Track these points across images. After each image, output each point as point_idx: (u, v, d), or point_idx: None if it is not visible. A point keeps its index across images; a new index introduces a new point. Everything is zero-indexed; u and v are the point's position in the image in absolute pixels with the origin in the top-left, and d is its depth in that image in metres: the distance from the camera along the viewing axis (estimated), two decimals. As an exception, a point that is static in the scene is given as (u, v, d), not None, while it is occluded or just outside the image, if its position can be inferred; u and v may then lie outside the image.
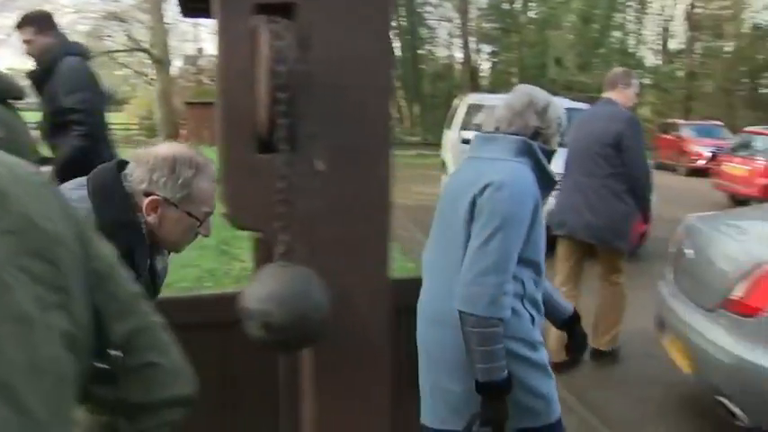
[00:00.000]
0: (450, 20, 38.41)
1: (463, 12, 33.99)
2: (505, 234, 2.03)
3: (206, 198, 1.77)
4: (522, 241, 2.08)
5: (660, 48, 40.61)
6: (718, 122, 25.41)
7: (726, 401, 3.24)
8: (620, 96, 4.74)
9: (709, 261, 3.64)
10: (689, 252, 3.90)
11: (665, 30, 40.65)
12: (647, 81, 39.67)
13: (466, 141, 9.54)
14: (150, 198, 1.73)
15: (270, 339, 1.11)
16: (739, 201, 13.09)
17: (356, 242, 1.18)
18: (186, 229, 1.80)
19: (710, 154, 19.31)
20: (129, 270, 1.58)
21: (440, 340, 2.21)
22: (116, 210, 1.71)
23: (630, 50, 40.62)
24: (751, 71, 36.95)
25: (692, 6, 37.65)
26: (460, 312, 2.03)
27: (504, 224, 2.03)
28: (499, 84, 33.68)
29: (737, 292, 3.18)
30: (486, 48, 39.46)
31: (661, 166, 22.61)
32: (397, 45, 39.49)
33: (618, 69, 5.20)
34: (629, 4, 39.07)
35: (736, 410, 3.18)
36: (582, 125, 4.77)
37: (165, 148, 1.79)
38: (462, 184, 2.21)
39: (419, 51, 39.50)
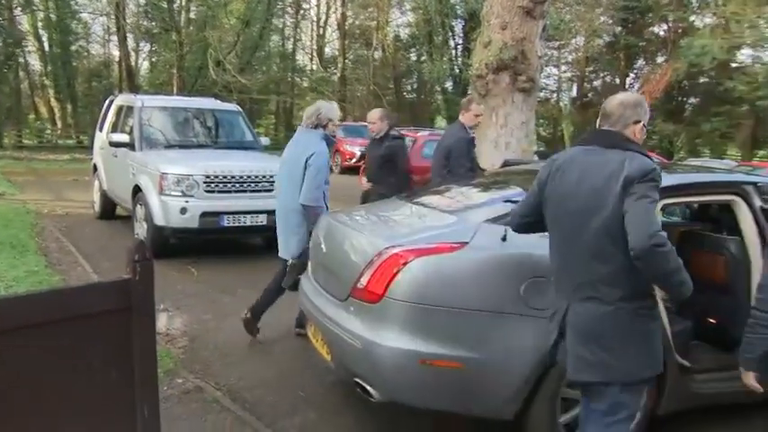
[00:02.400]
0: (106, 15, 36.24)
1: (119, 7, 32.26)
2: (323, 171, 5.04)
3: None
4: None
5: (317, 53, 42.72)
6: (367, 124, 27.59)
7: (361, 382, 3.51)
8: (464, 118, 6.60)
9: (340, 254, 3.91)
10: (323, 246, 4.16)
11: (321, 36, 42.94)
12: (305, 84, 41.65)
13: (114, 144, 9.08)
14: (640, 125, 2.85)
15: None
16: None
17: None
18: None
19: (360, 153, 20.75)
20: None
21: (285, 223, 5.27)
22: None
23: (290, 55, 42.29)
24: (395, 77, 40.67)
25: (344, 16, 40.21)
26: (306, 205, 5.01)
27: (323, 167, 5.04)
28: (159, 84, 32.74)
29: (363, 281, 3.44)
30: (146, 46, 38.19)
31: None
32: (44, 39, 36.40)
33: (467, 97, 7.26)
34: (287, 9, 40.47)
35: (370, 389, 3.46)
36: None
37: (624, 95, 2.95)
38: (298, 151, 5.15)
39: (71, 47, 36.80)
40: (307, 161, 5.00)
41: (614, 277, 2.64)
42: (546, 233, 2.97)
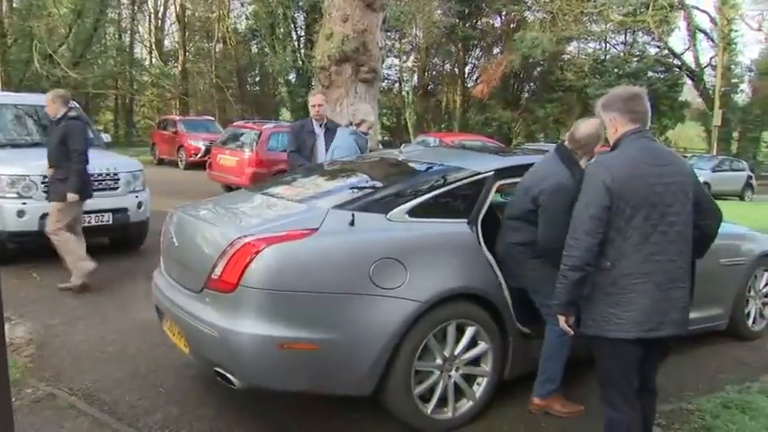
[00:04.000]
0: None
1: None
2: None
3: None
4: None
5: (156, 46, 41.22)
6: (210, 117, 27.11)
7: (221, 370, 3.56)
8: None
9: (192, 246, 3.93)
10: (174, 240, 4.16)
11: (159, 29, 41.47)
12: (145, 78, 40.12)
13: None
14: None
15: None
16: (233, 190, 14.03)
17: None
18: None
19: (205, 147, 20.39)
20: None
21: None
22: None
23: (127, 48, 40.52)
24: (238, 70, 40.04)
25: (183, 8, 39.02)
26: None
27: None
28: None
29: (217, 272, 3.50)
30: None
31: (161, 162, 23.32)
32: None
33: None
34: (122, 0, 38.76)
35: (230, 377, 3.52)
36: None
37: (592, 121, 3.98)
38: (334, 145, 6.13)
39: None
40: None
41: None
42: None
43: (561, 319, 3.19)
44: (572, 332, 3.23)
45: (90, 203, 7.55)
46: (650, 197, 2.92)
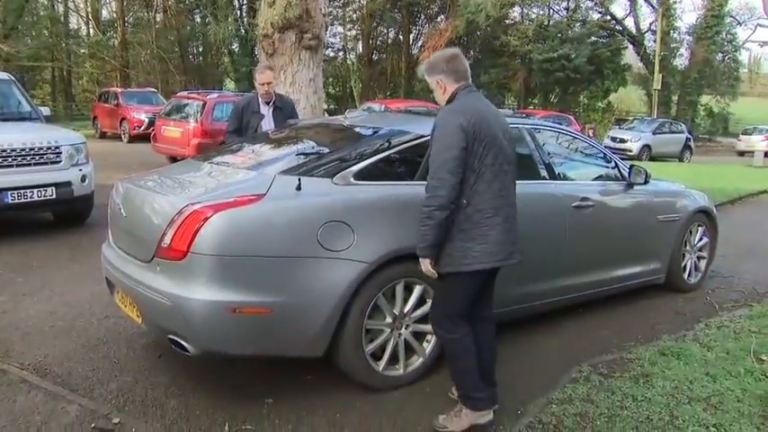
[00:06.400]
0: None
1: None
2: None
3: None
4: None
5: (93, 16, 39.99)
6: (153, 89, 26.53)
7: (175, 338, 3.60)
8: None
9: (141, 216, 3.93)
10: (122, 211, 4.14)
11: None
12: (83, 50, 38.97)
13: None
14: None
15: None
16: (178, 161, 13.87)
17: None
18: None
19: (148, 119, 20.04)
20: None
21: None
22: None
23: (61, 18, 39.29)
24: (180, 40, 39.19)
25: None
26: None
27: None
28: None
29: (167, 240, 3.52)
30: None
31: (104, 136, 22.80)
32: None
33: None
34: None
35: (185, 343, 3.56)
36: None
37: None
38: None
39: None
40: None
41: None
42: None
43: (426, 261, 3.38)
44: (435, 274, 3.42)
45: (31, 179, 7.41)
46: (496, 139, 3.28)
